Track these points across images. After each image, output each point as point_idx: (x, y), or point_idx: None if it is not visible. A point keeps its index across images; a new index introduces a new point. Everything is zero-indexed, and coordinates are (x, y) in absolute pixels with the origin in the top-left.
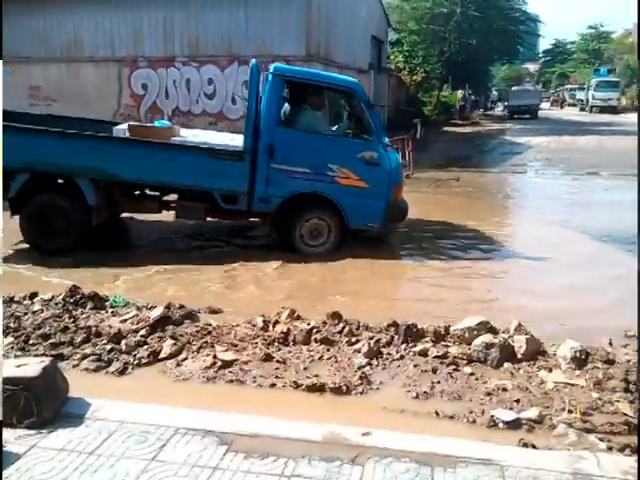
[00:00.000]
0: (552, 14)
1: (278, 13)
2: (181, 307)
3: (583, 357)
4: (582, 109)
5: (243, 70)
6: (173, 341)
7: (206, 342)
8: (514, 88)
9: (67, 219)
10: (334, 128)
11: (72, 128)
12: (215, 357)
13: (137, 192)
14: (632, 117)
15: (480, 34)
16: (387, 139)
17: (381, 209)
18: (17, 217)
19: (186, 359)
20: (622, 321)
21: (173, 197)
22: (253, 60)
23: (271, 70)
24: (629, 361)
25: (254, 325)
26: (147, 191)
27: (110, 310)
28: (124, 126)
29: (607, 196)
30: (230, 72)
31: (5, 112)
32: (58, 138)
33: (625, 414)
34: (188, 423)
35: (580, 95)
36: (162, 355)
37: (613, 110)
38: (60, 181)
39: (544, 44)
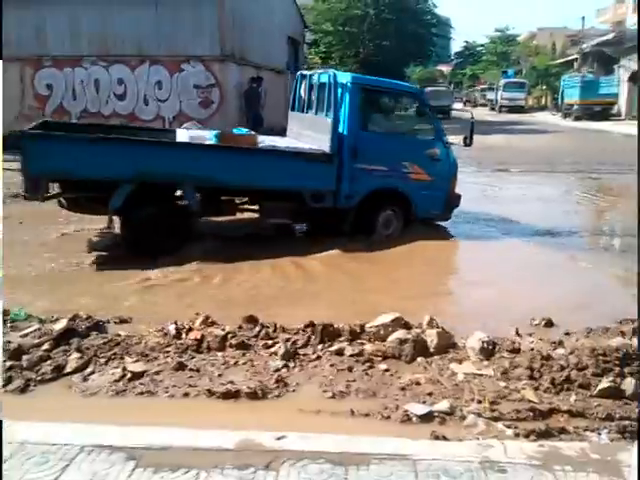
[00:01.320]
0: (462, 17)
1: (190, 13)
2: (88, 318)
3: (491, 347)
4: (492, 109)
5: (155, 70)
6: (79, 354)
7: (115, 354)
8: (428, 89)
9: (171, 225)
10: (404, 129)
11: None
12: (124, 369)
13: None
14: (538, 116)
15: (394, 36)
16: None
17: (443, 199)
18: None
19: (93, 372)
20: (529, 310)
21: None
22: (331, 71)
23: (349, 80)
24: (533, 349)
25: (166, 333)
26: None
27: (10, 325)
28: (188, 133)
29: (520, 191)
30: (141, 72)
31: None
32: (167, 148)
33: (530, 401)
34: (94, 440)
35: (490, 95)
36: (67, 370)
37: (521, 110)
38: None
39: (456, 47)
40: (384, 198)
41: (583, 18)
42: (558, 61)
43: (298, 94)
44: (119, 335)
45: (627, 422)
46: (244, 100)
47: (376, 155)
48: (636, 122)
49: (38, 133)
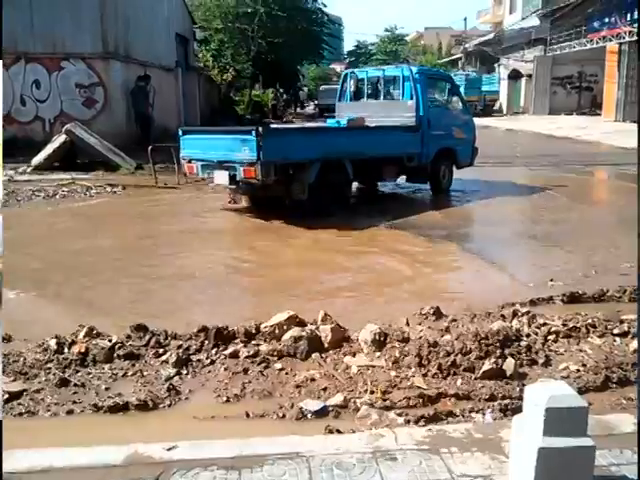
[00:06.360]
0: (353, 17)
1: (68, 9)
2: None
3: (382, 339)
4: None
5: (32, 69)
6: None
7: None
8: (322, 87)
9: (339, 190)
10: (448, 103)
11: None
12: None
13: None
14: None
15: (285, 34)
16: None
17: (470, 151)
18: None
19: None
20: (417, 300)
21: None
22: (405, 66)
23: (417, 71)
24: (421, 337)
25: (46, 349)
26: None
27: None
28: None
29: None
30: (16, 71)
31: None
32: (340, 133)
33: (419, 387)
34: None
35: None
36: None
37: None
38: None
39: (348, 45)
40: (442, 155)
41: (465, 19)
42: (444, 60)
43: (348, 88)
44: None
45: (508, 401)
46: (131, 99)
47: (439, 124)
48: (516, 117)
49: (272, 129)
